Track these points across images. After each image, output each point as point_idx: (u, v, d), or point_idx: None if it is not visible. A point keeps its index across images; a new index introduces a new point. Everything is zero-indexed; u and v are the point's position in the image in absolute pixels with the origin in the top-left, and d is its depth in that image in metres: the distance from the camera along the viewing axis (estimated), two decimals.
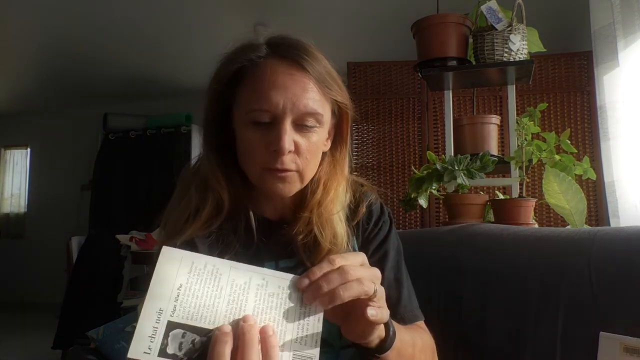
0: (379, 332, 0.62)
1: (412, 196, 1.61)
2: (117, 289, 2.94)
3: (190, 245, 0.70)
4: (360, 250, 0.82)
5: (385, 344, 0.64)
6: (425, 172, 1.56)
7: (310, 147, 0.71)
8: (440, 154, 2.42)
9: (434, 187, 1.55)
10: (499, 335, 0.95)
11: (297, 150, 0.70)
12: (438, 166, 1.48)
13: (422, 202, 1.61)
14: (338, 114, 0.77)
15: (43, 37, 3.68)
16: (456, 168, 1.45)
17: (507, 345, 0.94)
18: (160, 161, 4.59)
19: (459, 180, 1.44)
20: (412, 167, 2.01)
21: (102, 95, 5.10)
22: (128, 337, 1.51)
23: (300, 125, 0.70)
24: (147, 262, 3.04)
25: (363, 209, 0.82)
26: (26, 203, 5.89)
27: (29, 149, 5.99)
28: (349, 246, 0.78)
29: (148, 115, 4.87)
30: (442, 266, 1.08)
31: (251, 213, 0.76)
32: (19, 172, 6.08)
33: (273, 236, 0.77)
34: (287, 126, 0.68)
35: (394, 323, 0.67)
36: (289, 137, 0.68)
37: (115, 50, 3.92)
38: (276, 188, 0.71)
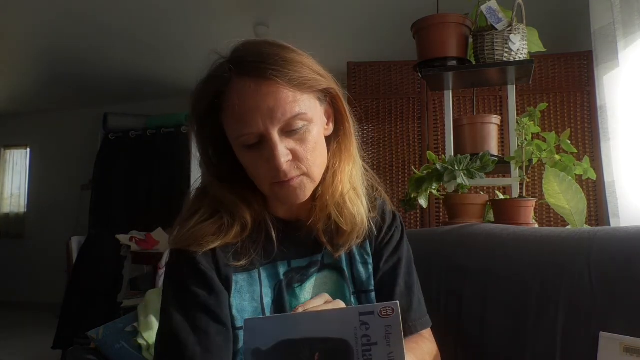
0: None
1: (412, 196, 1.61)
2: (117, 289, 2.94)
3: (212, 252, 0.72)
4: (373, 255, 0.83)
5: None
6: (425, 172, 1.56)
7: (307, 147, 0.70)
8: (440, 154, 2.42)
9: (434, 187, 1.55)
10: (499, 335, 0.95)
11: (295, 157, 0.69)
12: (438, 166, 1.48)
13: (422, 202, 1.61)
14: (327, 97, 0.75)
15: (43, 37, 3.68)
16: (456, 168, 1.45)
17: (507, 345, 0.94)
18: (160, 161, 4.59)
19: (459, 180, 1.44)
20: (412, 167, 2.01)
21: (102, 95, 5.10)
22: (128, 337, 1.51)
23: (289, 131, 0.68)
24: (147, 262, 3.04)
25: (377, 206, 0.83)
26: (26, 203, 5.89)
27: (29, 149, 5.99)
28: (368, 231, 0.80)
29: (148, 115, 4.87)
30: (442, 266, 1.08)
31: (271, 225, 0.76)
32: (19, 172, 6.08)
33: (289, 237, 0.78)
34: (276, 139, 0.67)
35: None
36: (281, 148, 0.67)
37: (116, 50, 3.92)
38: (289, 198, 0.72)
